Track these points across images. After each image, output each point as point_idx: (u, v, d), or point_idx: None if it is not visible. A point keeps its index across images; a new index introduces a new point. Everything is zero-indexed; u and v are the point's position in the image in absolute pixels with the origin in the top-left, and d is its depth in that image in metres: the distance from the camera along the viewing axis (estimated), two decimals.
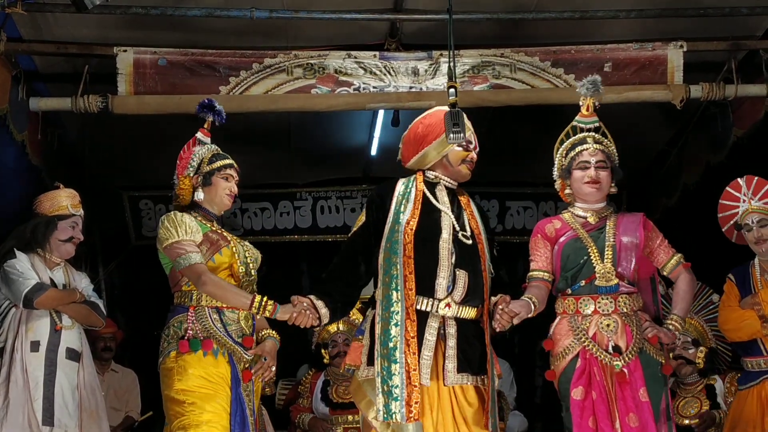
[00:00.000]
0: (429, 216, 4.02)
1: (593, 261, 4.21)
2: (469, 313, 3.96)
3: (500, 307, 3.94)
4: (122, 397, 7.14)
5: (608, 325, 4.14)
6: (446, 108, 4.13)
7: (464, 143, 4.07)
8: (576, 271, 4.25)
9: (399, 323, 3.85)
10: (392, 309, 3.88)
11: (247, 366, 4.18)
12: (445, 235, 3.98)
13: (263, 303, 3.96)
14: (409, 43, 5.93)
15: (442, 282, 3.93)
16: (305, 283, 8.73)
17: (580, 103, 4.45)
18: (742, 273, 4.87)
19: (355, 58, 5.84)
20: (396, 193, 4.10)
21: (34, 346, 4.69)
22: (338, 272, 4.12)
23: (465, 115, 4.06)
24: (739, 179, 4.88)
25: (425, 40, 5.88)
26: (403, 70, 5.84)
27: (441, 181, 4.16)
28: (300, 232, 8.51)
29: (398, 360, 3.82)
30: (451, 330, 3.93)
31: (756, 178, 4.83)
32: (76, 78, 5.77)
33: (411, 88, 5.81)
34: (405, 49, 5.91)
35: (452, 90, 4.11)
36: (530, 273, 4.37)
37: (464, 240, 4.01)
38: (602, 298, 4.18)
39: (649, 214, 8.56)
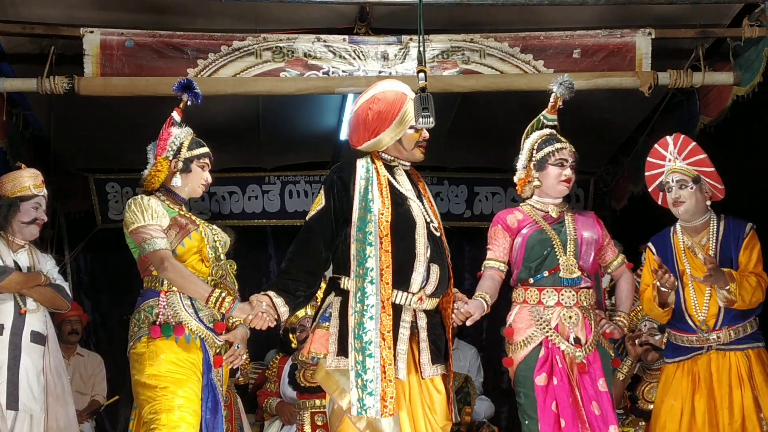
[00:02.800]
0: (400, 206, 3.97)
1: (557, 253, 4.32)
2: (433, 303, 3.99)
3: (455, 306, 4.02)
4: (88, 381, 7.13)
5: (570, 318, 4.27)
6: (393, 88, 4.07)
7: (418, 125, 4.00)
8: (539, 262, 4.34)
9: (374, 317, 3.80)
10: (367, 302, 3.82)
11: (218, 351, 4.16)
12: (420, 230, 3.94)
13: (220, 299, 3.94)
14: (379, 27, 5.90)
15: (418, 277, 3.90)
16: (273, 267, 8.71)
17: (551, 100, 4.50)
18: (662, 240, 4.76)
19: (325, 41, 5.80)
20: (358, 177, 3.99)
21: None
22: (299, 261, 3.97)
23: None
24: (667, 137, 4.76)
25: (395, 24, 5.86)
26: (373, 54, 5.81)
27: (399, 164, 4.12)
28: (268, 216, 8.49)
29: (373, 354, 3.77)
30: (422, 323, 3.93)
31: (682, 136, 4.70)
32: (42, 59, 5.68)
33: (380, 72, 5.79)
34: (374, 33, 5.88)
35: (421, 74, 4.09)
36: (486, 261, 4.45)
37: (435, 232, 4.00)
38: (565, 291, 4.29)
39: (615, 200, 8.67)
